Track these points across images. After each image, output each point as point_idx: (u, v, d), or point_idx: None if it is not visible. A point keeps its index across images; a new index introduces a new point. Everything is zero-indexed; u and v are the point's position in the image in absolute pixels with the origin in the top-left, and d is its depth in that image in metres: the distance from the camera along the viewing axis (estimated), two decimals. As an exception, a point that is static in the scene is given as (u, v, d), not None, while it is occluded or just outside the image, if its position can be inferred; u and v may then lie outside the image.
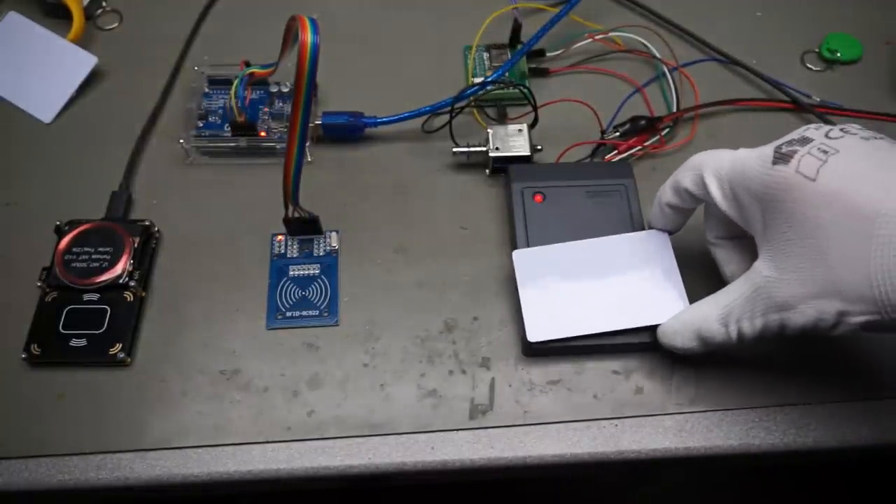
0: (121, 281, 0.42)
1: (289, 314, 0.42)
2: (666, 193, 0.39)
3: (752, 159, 0.33)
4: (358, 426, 0.39)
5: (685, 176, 0.37)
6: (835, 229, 0.29)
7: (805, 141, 0.32)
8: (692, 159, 0.37)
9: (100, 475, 0.38)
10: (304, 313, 0.42)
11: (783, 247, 0.32)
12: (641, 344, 0.40)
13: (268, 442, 0.39)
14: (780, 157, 0.32)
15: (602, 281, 0.40)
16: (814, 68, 0.53)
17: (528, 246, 0.42)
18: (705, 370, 0.41)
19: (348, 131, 0.49)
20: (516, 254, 0.41)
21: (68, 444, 0.38)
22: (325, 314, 0.42)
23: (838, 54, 0.53)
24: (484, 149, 0.46)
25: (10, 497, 0.38)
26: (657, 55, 0.52)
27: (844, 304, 0.30)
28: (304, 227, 0.44)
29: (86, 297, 0.42)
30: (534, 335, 0.39)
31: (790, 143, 0.33)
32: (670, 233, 0.42)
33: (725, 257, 0.40)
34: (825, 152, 0.31)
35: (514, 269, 0.41)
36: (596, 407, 0.40)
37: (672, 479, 0.84)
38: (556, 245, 0.41)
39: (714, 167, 0.36)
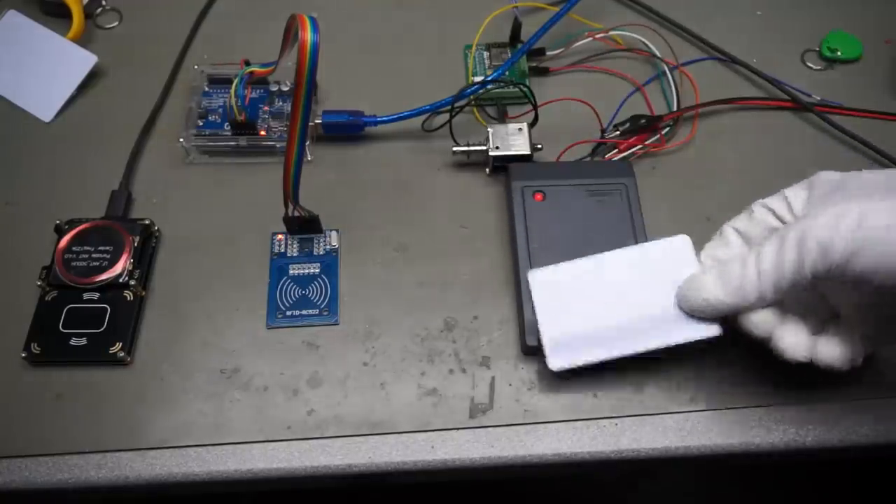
0: (121, 280, 0.42)
1: (289, 313, 0.42)
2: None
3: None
4: (358, 425, 0.39)
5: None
6: None
7: None
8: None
9: (100, 474, 0.38)
10: (304, 312, 0.42)
11: None
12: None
13: (268, 441, 0.39)
14: None
15: (625, 298, 0.37)
16: (814, 67, 0.53)
17: (529, 249, 0.42)
18: (705, 369, 0.41)
19: (348, 130, 0.49)
20: (532, 275, 0.38)
21: (68, 444, 0.38)
22: (325, 313, 0.42)
23: (839, 53, 0.53)
24: (484, 148, 0.46)
25: (9, 496, 0.38)
26: (657, 54, 0.52)
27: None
28: (305, 226, 0.44)
29: (86, 296, 0.41)
30: (555, 363, 0.36)
31: None
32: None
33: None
34: None
35: (529, 289, 0.38)
36: (596, 406, 0.39)
37: (672, 479, 0.84)
38: (574, 262, 0.38)
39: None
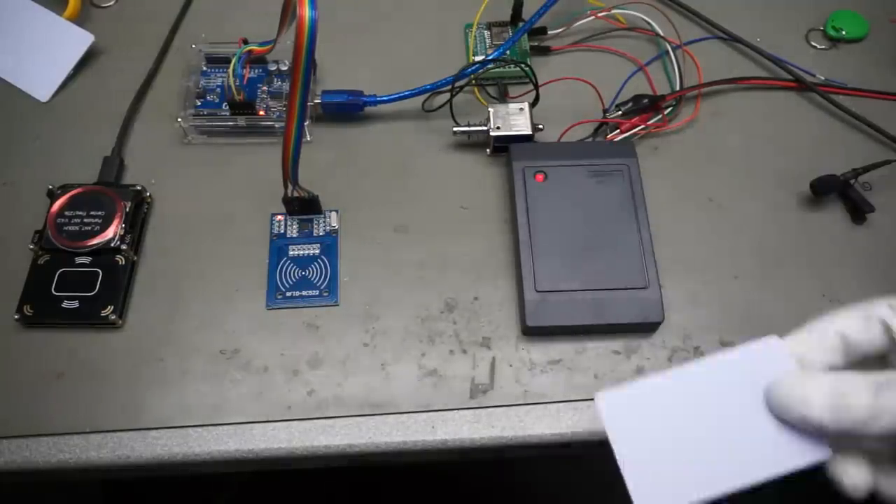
0: (112, 244, 0.42)
1: (289, 294, 0.42)
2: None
3: None
4: (358, 405, 0.39)
5: None
6: None
7: None
8: None
9: (101, 454, 0.38)
10: (304, 293, 0.42)
11: None
12: (643, 324, 0.40)
13: (268, 421, 0.39)
14: None
15: (716, 423, 0.30)
16: (818, 46, 0.53)
17: (530, 230, 0.41)
18: (704, 350, 0.40)
19: (348, 110, 0.48)
20: (602, 400, 0.31)
21: (68, 424, 0.38)
22: (325, 294, 0.42)
23: (843, 32, 0.53)
24: (485, 128, 0.46)
25: (10, 476, 0.38)
26: (660, 33, 0.52)
27: None
28: (304, 206, 0.44)
29: (78, 260, 0.42)
30: None
31: None
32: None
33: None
34: None
35: (600, 415, 0.31)
36: (597, 387, 0.39)
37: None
38: (649, 381, 0.31)
39: None
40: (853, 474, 0.28)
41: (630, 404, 0.30)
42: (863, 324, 0.28)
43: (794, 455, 0.29)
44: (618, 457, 0.30)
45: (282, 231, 0.44)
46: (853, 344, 0.28)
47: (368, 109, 0.48)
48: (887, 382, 0.26)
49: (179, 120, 0.47)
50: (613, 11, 0.53)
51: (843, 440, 0.28)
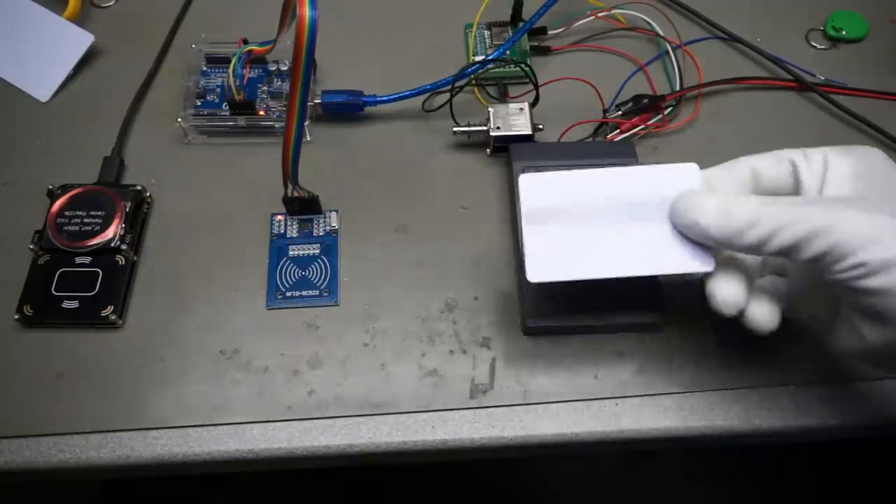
0: (112, 244, 0.42)
1: (289, 294, 0.42)
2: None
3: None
4: (358, 405, 0.39)
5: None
6: None
7: None
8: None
9: (101, 454, 0.38)
10: (304, 293, 0.42)
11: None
12: (643, 325, 0.40)
13: (268, 421, 0.39)
14: None
15: (619, 218, 0.34)
16: (818, 46, 0.53)
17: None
18: (706, 350, 0.40)
19: (348, 110, 0.48)
20: (523, 178, 0.34)
21: (69, 424, 0.38)
22: (325, 294, 0.42)
23: (843, 32, 0.53)
24: (485, 128, 0.46)
25: (10, 476, 0.38)
26: (660, 33, 0.52)
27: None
28: (304, 206, 0.44)
29: (78, 260, 0.42)
30: (535, 275, 0.34)
31: None
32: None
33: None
34: None
35: (518, 196, 0.35)
36: (596, 387, 0.39)
37: (671, 462, 0.84)
38: (571, 172, 0.34)
39: None
40: (726, 290, 0.31)
41: (548, 186, 0.34)
42: (773, 162, 0.32)
43: (682, 261, 0.32)
44: (523, 227, 0.34)
45: (282, 231, 0.44)
46: (762, 178, 0.32)
47: (368, 109, 0.48)
48: (773, 200, 0.29)
49: (179, 120, 0.47)
50: (613, 11, 0.53)
51: (727, 260, 0.32)
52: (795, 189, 0.32)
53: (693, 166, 0.33)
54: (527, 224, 0.34)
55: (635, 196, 0.34)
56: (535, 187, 0.34)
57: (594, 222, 0.34)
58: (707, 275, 0.32)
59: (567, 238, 0.34)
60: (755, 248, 0.29)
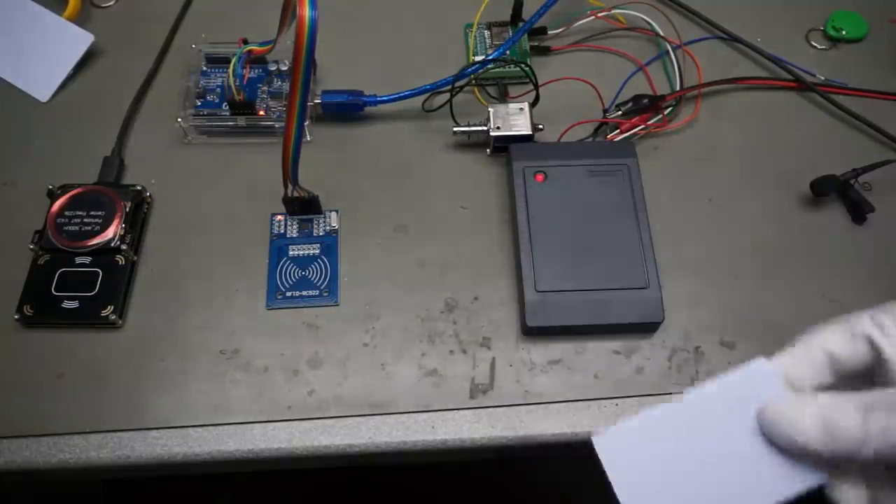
0: (112, 244, 0.42)
1: (289, 294, 0.42)
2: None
3: None
4: (358, 405, 0.39)
5: None
6: None
7: None
8: None
9: (101, 454, 0.38)
10: (304, 293, 0.42)
11: None
12: (643, 325, 0.40)
13: (268, 421, 0.39)
14: None
15: (709, 451, 0.29)
16: (818, 46, 0.53)
17: (531, 230, 0.41)
18: (705, 350, 0.40)
19: (348, 110, 0.48)
20: (599, 442, 0.30)
21: (69, 424, 0.38)
22: (325, 294, 0.42)
23: (843, 32, 0.53)
24: (485, 128, 0.46)
25: (10, 476, 0.38)
26: (660, 33, 0.52)
27: None
28: (304, 206, 0.44)
29: (78, 260, 0.42)
30: None
31: None
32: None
33: None
34: None
35: (596, 454, 0.30)
36: (597, 386, 0.39)
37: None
38: (643, 415, 0.30)
39: None
40: (851, 498, 0.28)
41: (625, 442, 0.30)
42: (848, 340, 0.28)
43: (790, 481, 0.28)
44: (618, 496, 0.29)
45: (282, 231, 0.44)
46: (840, 361, 0.28)
47: (368, 109, 0.48)
48: (874, 404, 0.26)
49: (179, 120, 0.47)
50: (613, 11, 0.53)
51: (838, 463, 0.28)
52: (877, 362, 0.28)
53: (765, 363, 0.29)
54: (621, 494, 0.29)
55: (717, 421, 0.30)
56: (613, 448, 0.30)
57: (686, 467, 0.29)
58: (824, 486, 0.28)
59: (665, 493, 0.29)
60: (875, 462, 0.26)
